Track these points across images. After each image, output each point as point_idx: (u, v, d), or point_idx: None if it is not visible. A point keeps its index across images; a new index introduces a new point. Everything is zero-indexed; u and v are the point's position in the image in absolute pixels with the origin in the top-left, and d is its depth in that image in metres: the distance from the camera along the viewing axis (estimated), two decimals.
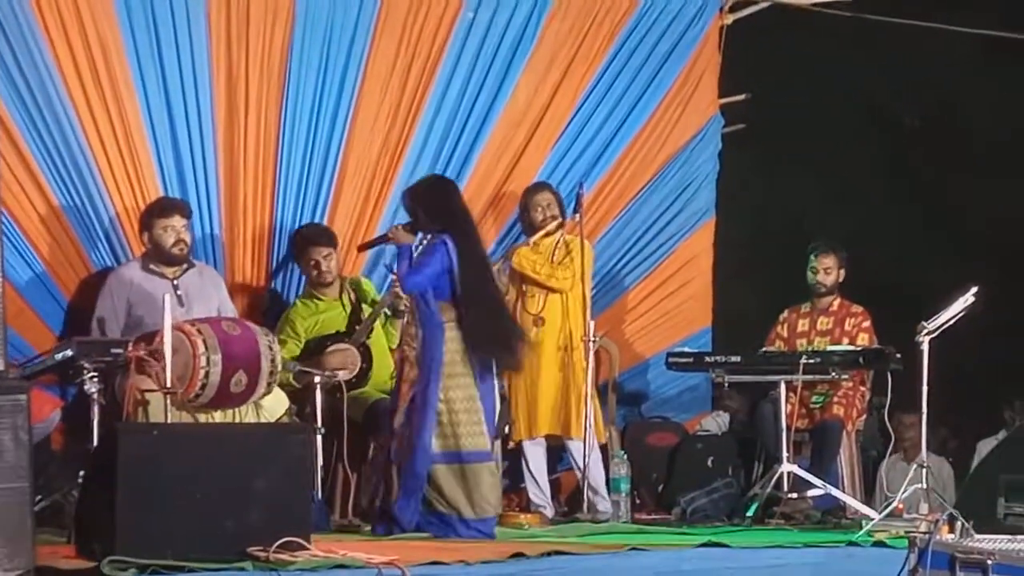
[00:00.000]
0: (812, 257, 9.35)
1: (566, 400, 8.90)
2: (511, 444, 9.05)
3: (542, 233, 9.00)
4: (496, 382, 8.01)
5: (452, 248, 7.72)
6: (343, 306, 8.80)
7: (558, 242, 9.01)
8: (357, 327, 8.68)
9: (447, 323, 7.74)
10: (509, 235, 9.65)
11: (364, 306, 8.80)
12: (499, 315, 7.95)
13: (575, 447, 8.85)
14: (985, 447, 10.77)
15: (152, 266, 8.30)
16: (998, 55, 11.27)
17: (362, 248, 9.06)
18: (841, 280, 9.36)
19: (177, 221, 8.30)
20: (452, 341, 7.75)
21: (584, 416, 8.74)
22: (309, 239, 8.83)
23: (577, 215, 9.03)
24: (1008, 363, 11.13)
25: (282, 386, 7.84)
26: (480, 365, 7.79)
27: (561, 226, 9.00)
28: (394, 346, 8.57)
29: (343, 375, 8.46)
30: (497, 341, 7.85)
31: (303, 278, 9.02)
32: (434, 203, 7.91)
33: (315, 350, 8.63)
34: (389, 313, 8.81)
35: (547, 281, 8.93)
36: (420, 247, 7.83)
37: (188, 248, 8.35)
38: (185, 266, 8.35)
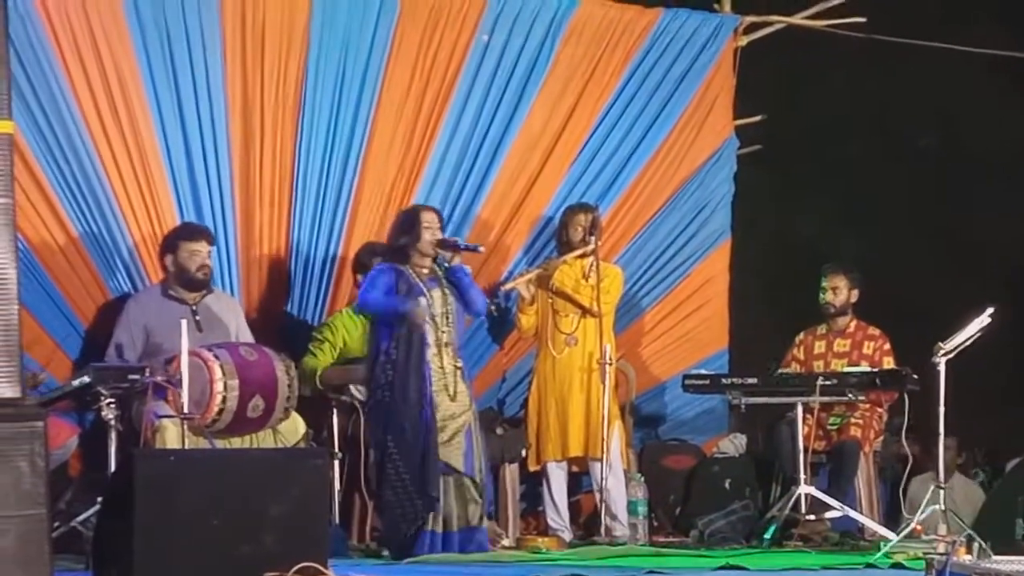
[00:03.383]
0: (822, 277, 9.37)
1: (589, 422, 8.90)
2: (534, 468, 9.05)
3: (578, 253, 8.99)
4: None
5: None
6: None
7: (590, 265, 8.99)
8: None
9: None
10: (524, 258, 9.66)
11: None
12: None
13: (599, 469, 8.82)
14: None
15: (172, 292, 8.30)
16: (1012, 75, 11.27)
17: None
18: (854, 301, 9.36)
19: (203, 246, 8.33)
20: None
21: (601, 439, 8.73)
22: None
23: (593, 238, 9.02)
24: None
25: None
26: None
27: (595, 251, 8.98)
28: None
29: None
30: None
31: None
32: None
33: (347, 362, 8.64)
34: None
35: (584, 300, 8.91)
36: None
37: (210, 274, 8.38)
38: (204, 292, 8.38)
